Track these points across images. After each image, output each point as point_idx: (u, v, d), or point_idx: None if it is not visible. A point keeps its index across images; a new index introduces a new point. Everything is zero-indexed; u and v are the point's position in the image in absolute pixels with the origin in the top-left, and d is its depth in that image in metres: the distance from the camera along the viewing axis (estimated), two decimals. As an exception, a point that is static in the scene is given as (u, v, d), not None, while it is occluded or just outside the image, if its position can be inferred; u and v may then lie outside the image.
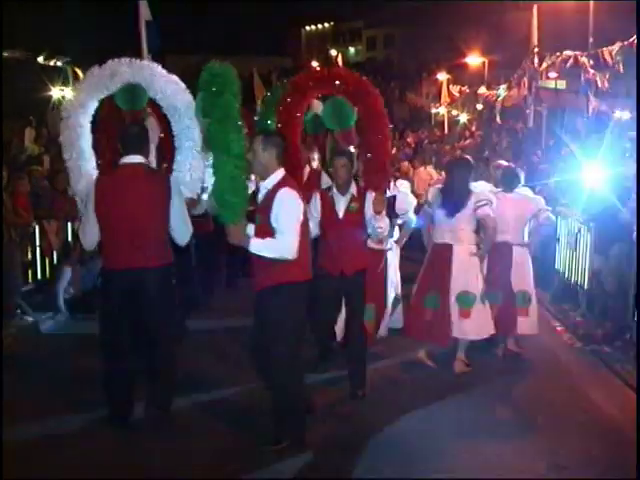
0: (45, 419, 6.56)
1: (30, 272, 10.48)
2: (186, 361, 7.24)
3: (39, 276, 10.61)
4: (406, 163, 18.13)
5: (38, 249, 10.57)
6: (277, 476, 5.58)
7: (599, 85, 13.71)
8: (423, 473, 5.57)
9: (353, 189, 6.89)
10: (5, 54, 13.94)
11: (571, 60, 14.23)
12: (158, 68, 7.14)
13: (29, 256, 10.47)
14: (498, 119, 24.40)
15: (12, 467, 5.43)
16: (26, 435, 6.17)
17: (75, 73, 16.77)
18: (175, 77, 7.08)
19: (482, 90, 25.75)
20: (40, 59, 15.26)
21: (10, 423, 6.18)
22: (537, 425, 6.50)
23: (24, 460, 5.71)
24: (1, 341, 8.45)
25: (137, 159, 5.93)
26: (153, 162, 6.94)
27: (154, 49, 13.19)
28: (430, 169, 14.77)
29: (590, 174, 10.22)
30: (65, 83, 17.61)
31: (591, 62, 13.45)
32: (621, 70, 12.18)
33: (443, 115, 31.49)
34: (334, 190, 6.95)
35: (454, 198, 7.43)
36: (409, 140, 27.65)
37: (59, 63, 16.20)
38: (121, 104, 6.98)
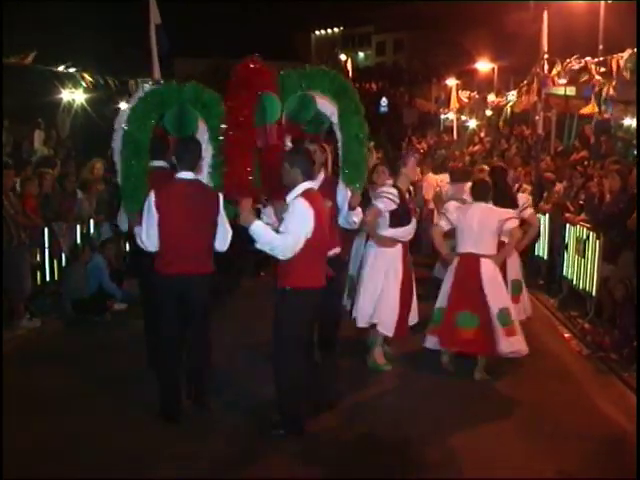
0: (51, 420, 6.60)
1: (39, 274, 10.49)
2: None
3: (47, 278, 10.62)
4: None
5: (47, 251, 10.57)
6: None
7: (604, 91, 13.68)
8: (429, 473, 5.59)
9: None
10: (13, 59, 13.94)
11: (579, 66, 14.23)
12: None
13: (37, 258, 10.48)
14: (501, 124, 24.39)
15: (18, 466, 5.47)
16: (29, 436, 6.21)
17: (84, 78, 16.78)
18: None
19: (491, 98, 25.70)
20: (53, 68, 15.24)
21: (14, 424, 6.22)
22: (544, 431, 6.48)
23: (27, 459, 5.75)
24: (1, 342, 8.46)
25: (191, 175, 6.41)
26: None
27: (163, 52, 13.29)
28: (442, 175, 14.64)
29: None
30: (75, 87, 17.59)
31: (600, 69, 13.42)
32: (627, 77, 12.13)
33: (452, 120, 31.46)
34: None
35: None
36: (419, 146, 27.65)
37: (71, 69, 16.19)
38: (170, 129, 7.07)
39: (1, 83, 14.22)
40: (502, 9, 32.66)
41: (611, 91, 13.16)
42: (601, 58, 13.98)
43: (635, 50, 11.83)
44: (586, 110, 16.12)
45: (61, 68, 15.66)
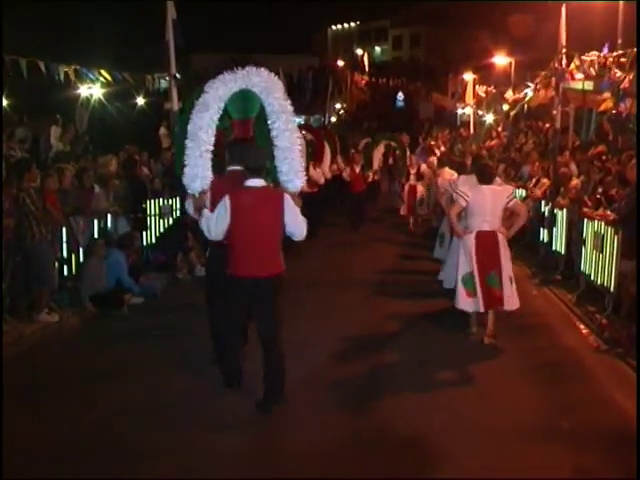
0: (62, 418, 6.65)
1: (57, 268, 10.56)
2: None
3: (65, 272, 10.69)
4: (424, 165, 18.72)
5: (65, 246, 10.63)
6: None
7: (621, 86, 13.59)
8: (445, 467, 5.59)
9: None
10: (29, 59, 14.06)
11: (598, 61, 14.17)
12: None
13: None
14: (511, 114, 24.42)
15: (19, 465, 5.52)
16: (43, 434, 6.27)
17: (101, 74, 16.89)
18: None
19: (509, 94, 25.57)
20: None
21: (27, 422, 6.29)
22: (562, 427, 6.46)
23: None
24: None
25: (260, 183, 6.76)
26: None
27: (179, 47, 13.38)
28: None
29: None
30: (93, 82, 17.71)
31: (620, 60, 13.36)
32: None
33: (469, 115, 31.36)
34: None
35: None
36: (434, 144, 27.49)
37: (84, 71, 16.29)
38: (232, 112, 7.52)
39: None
40: (519, 7, 32.52)
41: (626, 84, 13.07)
42: (620, 52, 13.88)
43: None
44: (603, 106, 16.05)
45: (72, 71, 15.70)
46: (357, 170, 18.93)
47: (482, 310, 8.81)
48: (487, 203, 8.76)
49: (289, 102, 7.48)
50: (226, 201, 6.61)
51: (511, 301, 8.82)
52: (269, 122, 7.37)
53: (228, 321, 7.04)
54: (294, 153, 7.27)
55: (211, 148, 7.15)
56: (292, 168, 7.24)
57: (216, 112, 7.25)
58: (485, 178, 8.93)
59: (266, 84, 7.44)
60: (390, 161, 23.06)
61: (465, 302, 8.90)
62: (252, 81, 7.41)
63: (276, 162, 7.29)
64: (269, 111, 7.39)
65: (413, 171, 18.73)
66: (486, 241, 8.78)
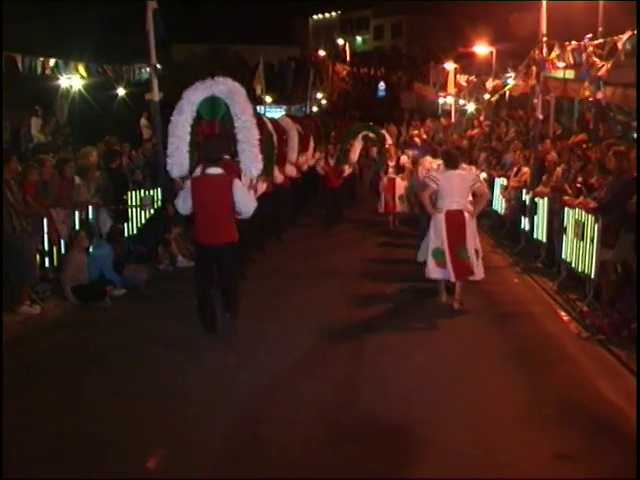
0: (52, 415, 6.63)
1: (38, 260, 10.49)
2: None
3: (47, 264, 10.63)
4: (404, 157, 17.74)
5: (46, 237, 10.57)
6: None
7: (599, 74, 13.63)
8: (427, 455, 5.62)
9: None
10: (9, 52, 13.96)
11: (580, 49, 14.17)
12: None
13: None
14: (492, 101, 24.28)
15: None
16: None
17: (78, 69, 16.76)
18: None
19: (490, 83, 25.57)
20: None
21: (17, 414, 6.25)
22: (543, 414, 6.51)
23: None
24: (1, 334, 8.48)
25: (217, 170, 8.40)
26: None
27: (159, 36, 13.32)
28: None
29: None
30: (72, 73, 17.55)
31: (598, 51, 13.38)
32: (622, 59, 12.09)
33: (450, 104, 31.38)
34: None
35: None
36: (416, 132, 27.48)
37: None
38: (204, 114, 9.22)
39: (1, 80, 14.22)
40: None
41: (604, 72, 13.11)
42: (601, 40, 13.91)
43: (635, 32, 11.80)
44: (582, 94, 16.13)
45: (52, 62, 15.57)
46: (332, 163, 17.58)
47: (453, 279, 9.88)
48: (454, 186, 9.88)
49: (250, 105, 9.40)
50: (188, 185, 8.49)
51: (478, 271, 9.95)
52: (234, 121, 9.09)
53: (199, 279, 8.69)
54: (251, 146, 9.05)
55: (187, 143, 8.97)
56: (249, 158, 9.05)
57: (190, 115, 9.06)
58: (451, 163, 10.08)
59: (230, 91, 9.18)
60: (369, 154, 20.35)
61: (435, 271, 10.02)
62: (218, 88, 9.16)
63: (238, 153, 9.08)
64: (232, 112, 9.11)
65: (392, 163, 17.44)
66: (454, 219, 9.84)
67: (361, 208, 20.55)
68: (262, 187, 11.15)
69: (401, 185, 17.05)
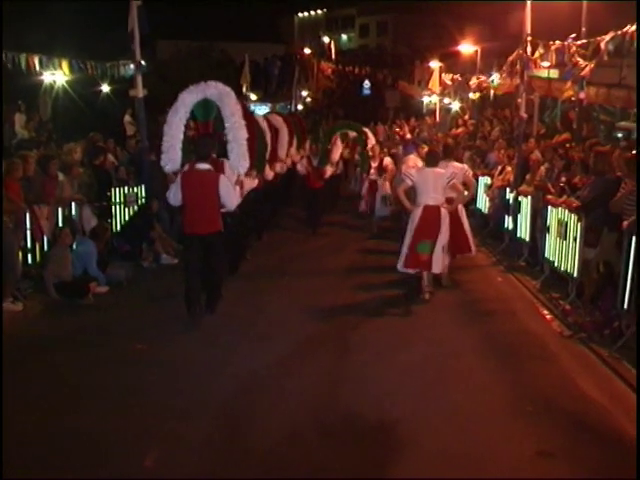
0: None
1: (20, 257, 10.43)
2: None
3: (29, 261, 10.58)
4: (388, 158, 17.06)
5: (29, 233, 10.52)
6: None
7: (582, 74, 13.70)
8: (409, 452, 5.64)
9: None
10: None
11: (564, 49, 14.24)
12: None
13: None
14: (474, 98, 24.23)
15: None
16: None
17: (61, 66, 16.66)
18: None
19: (474, 81, 25.66)
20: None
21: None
22: (525, 412, 6.54)
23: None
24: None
25: (205, 166, 9.12)
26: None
27: (144, 33, 13.28)
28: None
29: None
30: (56, 68, 17.44)
31: (582, 51, 13.45)
32: (605, 58, 12.15)
33: (435, 103, 31.45)
34: None
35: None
36: (399, 130, 27.56)
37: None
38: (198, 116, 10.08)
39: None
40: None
41: (587, 72, 13.18)
42: (584, 40, 13.98)
43: (619, 32, 11.87)
44: (565, 94, 16.22)
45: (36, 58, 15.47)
46: (315, 163, 16.75)
47: (402, 268, 10.32)
48: (429, 183, 10.24)
49: (239, 107, 10.11)
50: (178, 179, 9.18)
51: (437, 265, 10.24)
52: (224, 122, 9.91)
53: (188, 266, 9.36)
54: (240, 146, 9.87)
55: (180, 141, 9.74)
56: (237, 156, 9.88)
57: (184, 116, 9.85)
58: (429, 162, 10.60)
59: (220, 94, 9.94)
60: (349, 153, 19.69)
61: (400, 265, 10.40)
62: (210, 92, 9.92)
63: (228, 151, 9.90)
64: (223, 114, 9.91)
65: (374, 164, 16.67)
66: (430, 214, 10.18)
67: (346, 209, 19.57)
68: (253, 183, 11.51)
69: (383, 187, 16.22)
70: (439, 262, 10.25)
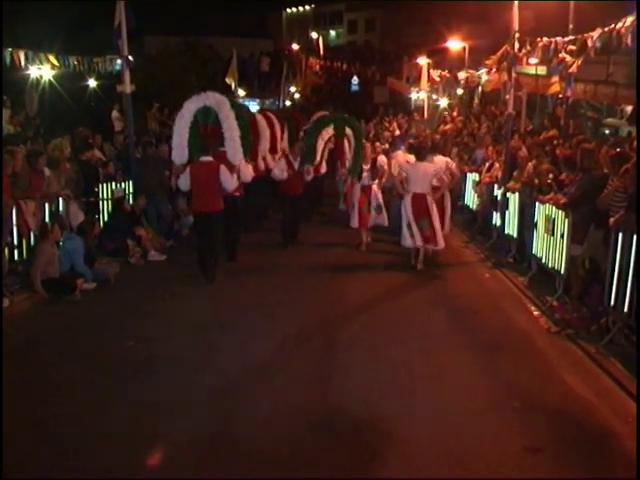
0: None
1: (7, 253, 10.38)
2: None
3: (16, 257, 10.52)
4: (381, 157, 14.79)
5: (15, 229, 10.45)
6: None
7: (569, 70, 13.71)
8: (397, 449, 5.65)
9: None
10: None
11: (551, 46, 14.24)
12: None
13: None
14: (476, 101, 24.37)
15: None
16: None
17: (48, 60, 16.53)
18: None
19: (462, 75, 25.68)
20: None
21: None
22: (512, 408, 6.56)
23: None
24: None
25: (208, 159, 11.40)
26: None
27: (130, 28, 13.24)
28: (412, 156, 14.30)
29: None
30: (42, 63, 17.31)
31: (569, 47, 13.45)
32: (592, 55, 12.15)
33: (423, 100, 31.44)
34: None
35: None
36: (388, 125, 27.54)
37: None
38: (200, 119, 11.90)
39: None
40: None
41: (574, 69, 13.20)
42: (571, 37, 13.99)
43: (606, 29, 11.87)
44: (551, 90, 16.26)
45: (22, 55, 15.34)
46: (295, 167, 14.35)
47: (419, 244, 12.18)
48: (419, 175, 12.23)
49: (232, 113, 11.76)
50: (188, 169, 11.43)
51: (440, 241, 12.27)
52: (221, 123, 11.75)
53: (198, 239, 11.58)
54: (233, 142, 11.72)
55: (186, 140, 11.68)
56: (232, 150, 11.70)
57: (188, 119, 11.74)
58: (419, 156, 12.66)
59: (217, 102, 11.81)
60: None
61: (405, 241, 12.34)
62: (209, 101, 11.79)
63: (225, 146, 11.74)
64: (220, 118, 11.74)
65: (366, 167, 14.11)
66: (418, 200, 12.17)
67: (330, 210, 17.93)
68: (248, 169, 12.74)
69: (378, 194, 14.28)
70: (441, 239, 12.27)
